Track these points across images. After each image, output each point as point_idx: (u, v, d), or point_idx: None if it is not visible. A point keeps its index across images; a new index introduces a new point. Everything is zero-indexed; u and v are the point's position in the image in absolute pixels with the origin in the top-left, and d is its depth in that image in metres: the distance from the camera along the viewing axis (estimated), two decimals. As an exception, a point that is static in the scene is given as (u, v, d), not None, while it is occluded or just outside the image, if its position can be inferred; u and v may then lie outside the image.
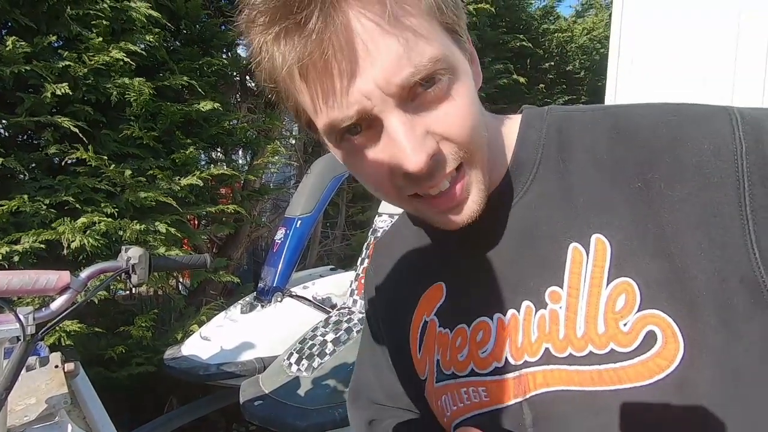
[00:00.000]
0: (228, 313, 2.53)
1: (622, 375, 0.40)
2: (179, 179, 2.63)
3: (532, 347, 0.45)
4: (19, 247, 2.11)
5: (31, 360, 1.27)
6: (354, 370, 0.72)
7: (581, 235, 0.43)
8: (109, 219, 2.32)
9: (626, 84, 1.94)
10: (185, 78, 2.60)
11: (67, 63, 2.23)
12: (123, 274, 1.07)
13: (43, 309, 0.90)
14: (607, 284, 0.41)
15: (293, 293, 2.66)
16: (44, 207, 2.20)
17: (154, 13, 2.45)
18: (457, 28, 0.42)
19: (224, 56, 3.12)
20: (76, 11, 2.29)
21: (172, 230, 2.51)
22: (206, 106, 2.66)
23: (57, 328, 2.05)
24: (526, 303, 0.46)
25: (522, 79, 4.91)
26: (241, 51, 3.22)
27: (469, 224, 0.45)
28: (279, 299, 2.57)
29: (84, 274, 0.99)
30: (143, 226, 2.38)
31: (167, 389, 2.84)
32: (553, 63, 6.07)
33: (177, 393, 2.86)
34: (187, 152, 2.64)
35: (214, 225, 3.19)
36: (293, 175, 4.79)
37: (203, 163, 3.18)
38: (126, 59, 2.35)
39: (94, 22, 2.32)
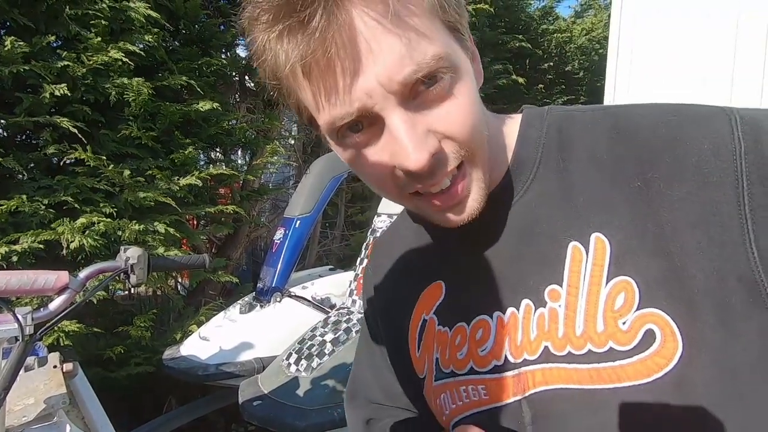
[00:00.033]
0: (227, 314, 2.52)
1: (621, 373, 0.40)
2: (178, 179, 2.63)
3: (531, 345, 0.45)
4: (17, 247, 2.11)
5: (30, 360, 1.26)
6: (351, 370, 0.72)
7: (581, 233, 0.44)
8: (108, 219, 2.32)
9: (625, 84, 1.95)
10: (184, 78, 2.60)
11: (66, 63, 2.23)
12: (122, 274, 1.07)
13: (42, 309, 0.91)
14: (607, 283, 0.41)
15: (292, 293, 2.66)
16: (43, 207, 2.20)
17: (153, 13, 2.45)
18: (459, 27, 0.43)
19: (223, 56, 3.12)
20: (74, 11, 2.29)
21: (171, 230, 2.51)
22: (205, 106, 2.66)
23: (55, 328, 2.06)
24: (525, 301, 0.46)
25: (521, 80, 4.93)
26: (240, 51, 3.22)
27: (469, 222, 0.46)
28: (278, 299, 2.57)
29: (83, 274, 0.99)
30: (142, 226, 2.38)
31: (166, 389, 2.83)
32: (552, 63, 6.09)
33: (176, 393, 2.86)
34: (186, 152, 2.64)
35: (213, 225, 3.19)
36: (292, 175, 4.79)
37: (202, 163, 3.18)
38: (125, 59, 2.35)
39: (92, 22, 2.32)
